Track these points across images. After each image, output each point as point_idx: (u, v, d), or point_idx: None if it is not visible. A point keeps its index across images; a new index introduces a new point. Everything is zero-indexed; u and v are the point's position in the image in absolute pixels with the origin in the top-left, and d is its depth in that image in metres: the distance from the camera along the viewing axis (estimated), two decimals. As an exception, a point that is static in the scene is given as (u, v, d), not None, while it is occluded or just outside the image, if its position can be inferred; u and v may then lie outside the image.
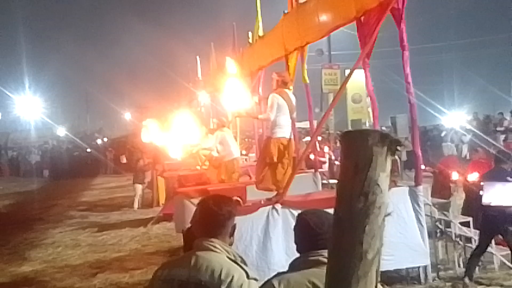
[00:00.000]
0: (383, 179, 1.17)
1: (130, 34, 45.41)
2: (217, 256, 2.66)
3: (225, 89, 8.43)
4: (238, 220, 6.94)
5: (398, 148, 1.20)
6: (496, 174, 6.88)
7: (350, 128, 26.37)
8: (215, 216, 2.78)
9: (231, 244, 2.81)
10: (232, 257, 2.68)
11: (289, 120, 7.81)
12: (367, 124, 23.71)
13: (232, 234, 2.86)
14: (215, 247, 2.68)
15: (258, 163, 8.43)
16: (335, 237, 1.21)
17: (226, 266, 2.65)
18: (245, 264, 2.77)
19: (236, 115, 8.29)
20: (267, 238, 7.03)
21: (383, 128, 22.08)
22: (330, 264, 1.28)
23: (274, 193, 7.60)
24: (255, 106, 9.04)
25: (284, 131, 7.67)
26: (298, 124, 12.28)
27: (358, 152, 1.18)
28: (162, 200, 15.76)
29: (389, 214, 1.20)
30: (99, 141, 38.29)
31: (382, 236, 1.21)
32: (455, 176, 10.98)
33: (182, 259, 2.82)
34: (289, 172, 7.62)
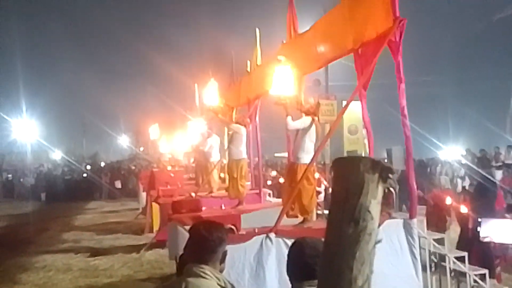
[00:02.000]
0: (374, 206, 1.17)
1: (127, 60, 45.65)
2: (207, 283, 2.65)
3: (274, 74, 8.46)
4: (231, 248, 6.92)
5: (390, 175, 1.20)
6: (489, 215, 6.87)
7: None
8: (205, 242, 2.77)
9: (221, 271, 2.80)
10: (223, 284, 2.67)
11: (313, 147, 7.96)
12: (363, 155, 23.70)
13: (223, 261, 2.85)
14: (205, 273, 2.67)
15: (284, 190, 8.49)
16: (324, 262, 1.20)
17: (216, 293, 2.63)
18: (236, 291, 2.75)
19: (277, 101, 8.34)
20: (260, 267, 6.98)
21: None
22: (320, 289, 1.27)
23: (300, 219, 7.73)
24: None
25: (309, 157, 7.80)
26: (279, 154, 12.43)
27: (350, 178, 1.18)
28: (155, 226, 15.68)
29: (379, 241, 1.20)
30: (94, 165, 38.20)
31: (372, 263, 1.21)
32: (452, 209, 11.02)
33: (172, 285, 2.80)
34: (314, 199, 7.76)
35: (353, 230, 1.15)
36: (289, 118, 8.15)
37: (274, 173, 22.98)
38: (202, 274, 2.65)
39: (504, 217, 6.48)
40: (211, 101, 11.89)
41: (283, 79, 8.27)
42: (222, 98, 12.21)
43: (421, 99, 37.67)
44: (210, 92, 12.06)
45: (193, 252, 2.78)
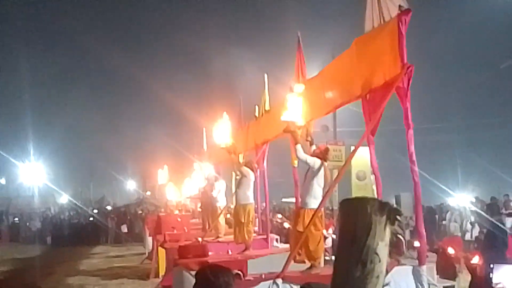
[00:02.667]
0: (382, 248, 1.15)
1: (136, 103, 46.06)
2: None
3: (287, 101, 8.62)
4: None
5: (398, 217, 1.18)
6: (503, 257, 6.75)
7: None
8: (212, 286, 2.73)
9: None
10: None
11: (321, 193, 7.90)
12: (371, 202, 23.52)
13: None
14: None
15: (291, 235, 8.55)
16: None
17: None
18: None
19: (286, 128, 8.39)
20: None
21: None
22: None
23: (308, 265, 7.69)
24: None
25: (317, 202, 7.77)
26: (287, 199, 12.44)
27: (357, 219, 1.16)
28: (161, 271, 15.52)
29: (387, 285, 1.17)
30: (101, 209, 38.14)
31: None
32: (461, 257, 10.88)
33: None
34: (322, 244, 7.72)
35: (360, 273, 1.12)
36: (299, 146, 8.16)
37: (279, 215, 22.82)
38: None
39: None
40: (223, 139, 11.71)
41: (295, 107, 8.35)
42: (233, 139, 12.06)
43: (429, 146, 37.69)
44: (222, 130, 11.90)
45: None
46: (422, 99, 33.52)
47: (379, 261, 1.17)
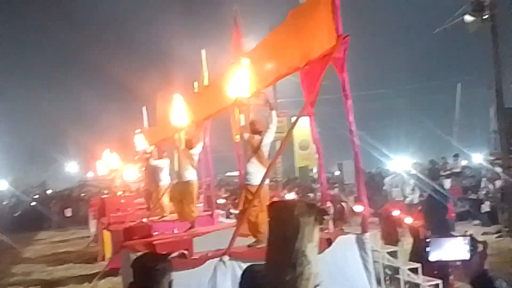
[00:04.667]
0: (311, 249, 1.12)
1: (73, 84, 44.84)
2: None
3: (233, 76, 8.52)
4: (184, 273, 6.79)
5: (325, 217, 1.16)
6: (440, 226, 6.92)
7: (297, 175, 26.64)
8: (149, 273, 2.69)
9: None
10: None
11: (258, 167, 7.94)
12: (314, 170, 23.95)
13: None
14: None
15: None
16: None
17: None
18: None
19: (237, 102, 8.32)
20: (216, 292, 6.88)
21: (329, 174, 22.35)
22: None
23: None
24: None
25: (260, 176, 7.74)
26: (231, 173, 12.46)
27: (285, 223, 1.13)
28: (108, 254, 15.35)
29: (318, 285, 1.14)
30: (42, 194, 37.28)
31: None
32: (405, 220, 11.14)
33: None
34: (261, 218, 7.73)
35: (290, 277, 1.09)
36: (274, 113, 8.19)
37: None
38: (149, 308, 2.57)
39: (452, 233, 6.60)
40: (181, 121, 11.50)
41: (242, 80, 8.28)
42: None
43: (374, 112, 38.41)
44: (178, 110, 11.64)
45: (139, 285, 2.69)
46: (366, 67, 34.03)
47: (309, 263, 1.14)
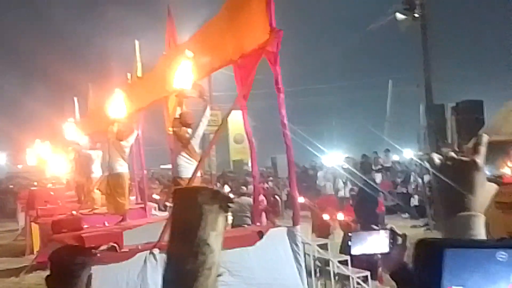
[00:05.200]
0: (214, 238, 1.11)
1: (4, 72, 43.42)
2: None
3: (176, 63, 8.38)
4: (113, 267, 6.67)
5: (230, 205, 1.15)
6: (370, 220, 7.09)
7: (232, 169, 26.66)
8: (67, 267, 2.62)
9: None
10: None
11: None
12: (249, 164, 24.00)
13: (89, 285, 2.69)
14: (71, 302, 2.52)
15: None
16: None
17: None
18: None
19: (181, 94, 8.22)
20: (145, 285, 6.79)
21: (264, 168, 22.49)
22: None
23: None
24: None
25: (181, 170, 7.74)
26: (165, 166, 12.40)
27: (187, 210, 1.11)
28: (36, 247, 14.94)
29: (220, 275, 1.13)
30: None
31: None
32: (336, 215, 11.34)
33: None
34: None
35: (192, 265, 1.08)
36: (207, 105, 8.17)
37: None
38: (67, 304, 2.50)
39: (373, 227, 6.75)
40: (120, 114, 11.31)
41: (184, 72, 8.22)
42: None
43: (309, 107, 38.87)
44: (116, 103, 11.46)
45: (56, 280, 2.62)
46: (301, 62, 34.36)
47: (211, 252, 1.13)
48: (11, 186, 31.99)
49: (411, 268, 1.07)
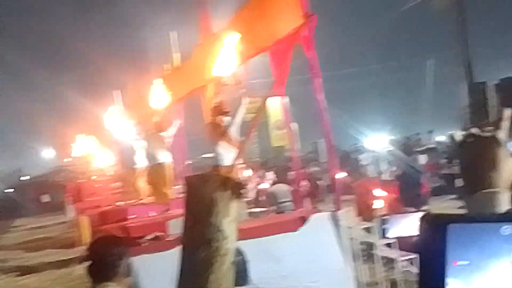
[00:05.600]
0: (227, 224, 1.11)
1: (47, 69, 44.32)
2: (114, 302, 2.54)
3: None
4: (158, 256, 6.76)
5: (242, 191, 1.15)
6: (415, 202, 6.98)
7: (273, 155, 26.68)
8: (106, 257, 2.66)
9: (129, 285, 2.69)
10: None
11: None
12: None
13: (128, 275, 2.74)
14: (111, 292, 2.56)
15: None
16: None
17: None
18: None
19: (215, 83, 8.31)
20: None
21: (306, 154, 22.45)
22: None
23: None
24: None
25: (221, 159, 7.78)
26: (207, 155, 12.45)
27: (199, 197, 1.12)
28: (85, 239, 15.25)
29: (234, 262, 1.13)
30: (18, 181, 37.00)
31: (229, 284, 1.14)
32: (379, 198, 11.24)
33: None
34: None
35: (205, 253, 1.08)
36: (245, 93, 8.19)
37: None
38: (108, 293, 2.55)
39: (407, 210, 6.66)
40: (158, 104, 11.43)
41: (226, 59, 8.23)
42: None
43: (348, 91, 38.54)
44: (155, 94, 11.58)
45: (95, 270, 2.67)
46: (336, 46, 34.01)
47: (224, 238, 1.13)
48: (59, 180, 32.74)
49: (417, 243, 1.06)
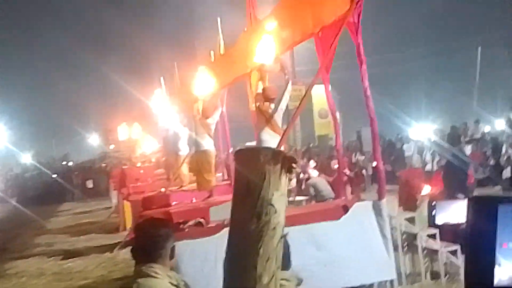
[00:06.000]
0: (277, 198, 1.09)
1: (93, 56, 45.00)
2: (158, 283, 2.55)
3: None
4: (201, 241, 6.81)
5: (293, 165, 1.12)
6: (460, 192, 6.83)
7: (316, 143, 26.57)
8: (152, 238, 2.68)
9: (172, 267, 2.70)
10: (175, 282, 2.58)
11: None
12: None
13: (172, 257, 2.75)
14: (156, 272, 2.58)
15: None
16: (229, 261, 1.13)
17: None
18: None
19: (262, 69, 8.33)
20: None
21: (349, 142, 22.24)
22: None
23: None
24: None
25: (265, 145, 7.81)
26: (250, 143, 12.41)
27: (250, 171, 1.10)
28: (128, 224, 15.49)
29: (285, 236, 1.11)
30: (65, 166, 37.76)
31: (279, 259, 1.12)
32: (423, 188, 11.07)
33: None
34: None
35: (256, 226, 1.07)
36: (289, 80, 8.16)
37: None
38: (152, 273, 2.57)
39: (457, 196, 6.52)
40: (203, 90, 11.48)
41: (267, 45, 8.20)
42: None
43: (392, 76, 37.88)
44: (201, 80, 11.62)
45: (141, 250, 2.70)
46: (382, 29, 33.47)
47: (275, 212, 1.12)
48: (104, 165, 33.30)
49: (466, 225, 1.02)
